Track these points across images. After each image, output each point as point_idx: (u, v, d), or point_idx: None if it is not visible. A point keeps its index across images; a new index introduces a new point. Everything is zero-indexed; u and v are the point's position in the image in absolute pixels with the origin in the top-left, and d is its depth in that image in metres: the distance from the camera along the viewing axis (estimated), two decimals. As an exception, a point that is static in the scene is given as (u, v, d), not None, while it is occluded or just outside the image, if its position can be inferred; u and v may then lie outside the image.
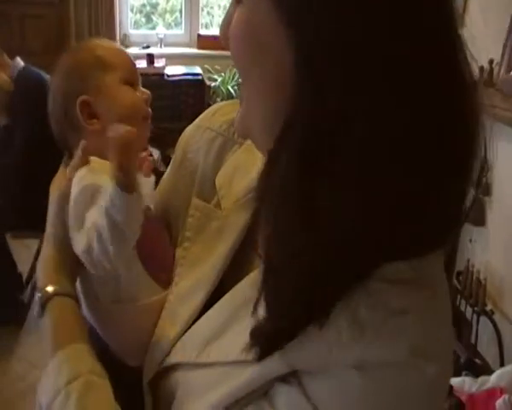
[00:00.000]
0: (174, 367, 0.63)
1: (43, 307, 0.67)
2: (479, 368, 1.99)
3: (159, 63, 3.91)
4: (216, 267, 0.65)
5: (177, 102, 3.83)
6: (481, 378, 1.79)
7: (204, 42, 4.21)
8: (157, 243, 0.73)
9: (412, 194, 0.46)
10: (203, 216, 0.70)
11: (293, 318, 0.48)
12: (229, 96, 3.94)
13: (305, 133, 0.46)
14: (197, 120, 0.77)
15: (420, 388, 0.47)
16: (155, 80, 3.76)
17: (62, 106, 0.78)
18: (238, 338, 0.53)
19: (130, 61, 0.82)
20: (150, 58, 3.86)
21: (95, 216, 0.65)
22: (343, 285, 0.47)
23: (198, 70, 3.99)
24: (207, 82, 3.99)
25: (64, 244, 0.70)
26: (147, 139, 0.80)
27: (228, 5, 0.55)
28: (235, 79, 4.00)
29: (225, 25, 0.53)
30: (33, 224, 2.60)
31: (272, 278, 0.49)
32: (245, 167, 0.68)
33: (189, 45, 4.30)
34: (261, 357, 0.51)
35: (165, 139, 3.67)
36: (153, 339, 0.67)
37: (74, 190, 0.69)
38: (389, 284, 0.48)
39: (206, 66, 4.08)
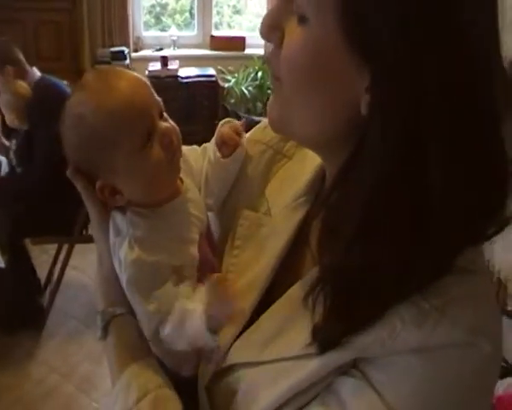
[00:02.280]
0: (232, 368, 0.64)
1: (105, 329, 0.68)
2: (501, 369, 1.96)
3: (172, 65, 3.92)
4: (269, 266, 0.66)
5: (191, 103, 3.84)
6: (507, 380, 1.76)
7: (217, 42, 4.21)
8: (205, 254, 0.73)
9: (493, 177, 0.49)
10: (252, 224, 0.71)
11: (357, 314, 0.52)
12: (243, 97, 3.93)
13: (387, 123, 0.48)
14: (249, 133, 0.80)
15: (477, 365, 0.50)
16: (169, 82, 3.78)
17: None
18: (299, 335, 0.56)
19: (144, 106, 0.67)
20: (164, 60, 3.87)
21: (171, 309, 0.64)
22: (422, 282, 0.50)
23: (211, 71, 3.99)
24: (221, 83, 3.98)
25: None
26: (179, 163, 0.72)
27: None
28: (249, 79, 3.99)
29: (273, 32, 0.55)
30: (52, 230, 2.65)
31: (337, 277, 0.52)
32: (293, 177, 0.71)
33: (201, 46, 4.30)
34: (323, 352, 0.53)
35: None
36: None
37: (126, 265, 0.67)
38: (452, 272, 0.50)
39: (219, 67, 4.08)
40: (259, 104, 3.96)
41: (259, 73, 3.99)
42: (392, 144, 0.47)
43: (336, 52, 0.49)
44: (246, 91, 3.95)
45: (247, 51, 4.21)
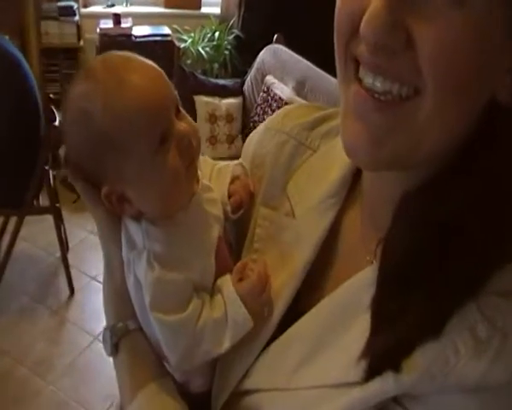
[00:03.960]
0: (252, 390, 0.57)
1: (116, 345, 0.63)
2: None
3: (125, 23, 3.72)
4: (295, 277, 0.59)
5: (145, 64, 3.66)
6: None
7: (171, 0, 4.02)
8: (223, 258, 0.66)
9: None
10: (273, 226, 0.64)
11: (404, 335, 0.46)
12: (200, 58, 3.79)
13: None
14: (265, 123, 0.71)
15: None
16: (122, 42, 3.58)
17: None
18: (335, 360, 0.50)
19: (160, 105, 0.58)
20: (116, 18, 3.66)
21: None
22: (460, 299, 0.45)
23: (166, 30, 3.82)
24: (176, 43, 3.82)
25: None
26: (197, 169, 0.65)
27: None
28: (206, 40, 3.84)
29: (394, 33, 0.41)
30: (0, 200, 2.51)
31: (390, 301, 0.47)
32: (319, 174, 0.63)
33: (155, 3, 4.10)
34: (369, 377, 0.47)
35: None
36: (223, 360, 0.61)
37: (147, 285, 0.60)
38: (501, 297, 0.45)
39: (174, 25, 3.90)
40: (216, 65, 3.83)
41: (216, 34, 3.85)
42: None
43: (492, 37, 0.41)
44: (203, 52, 3.80)
45: (204, 10, 4.04)
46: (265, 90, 2.99)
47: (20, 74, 2.29)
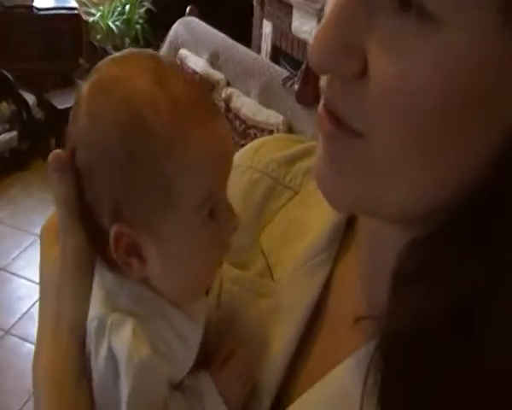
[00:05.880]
0: None
1: None
2: None
3: (26, -5, 3.48)
4: (278, 365, 0.45)
5: (50, 39, 3.44)
6: None
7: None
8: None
9: None
10: (245, 292, 0.50)
11: None
12: (110, 33, 3.63)
13: None
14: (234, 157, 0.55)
15: None
16: (22, 14, 3.34)
17: (91, 205, 0.45)
18: None
19: (224, 160, 0.46)
20: (16, -11, 3.42)
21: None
22: None
23: (72, 3, 3.61)
24: (84, 17, 3.63)
25: (79, 331, 0.43)
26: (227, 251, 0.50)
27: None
28: (116, 13, 3.68)
29: (348, 57, 0.32)
30: None
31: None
32: (302, 224, 0.50)
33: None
34: None
35: (39, 81, 3.34)
36: None
37: (131, 369, 0.42)
38: None
39: (81, -2, 3.71)
40: (127, 40, 3.69)
41: (127, 7, 3.70)
42: None
43: (488, 67, 0.29)
44: (113, 26, 3.64)
45: (112, -18, 3.87)
46: (179, 63, 2.90)
47: None
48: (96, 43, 3.63)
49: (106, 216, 0.44)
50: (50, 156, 0.44)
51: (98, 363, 0.43)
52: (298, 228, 0.50)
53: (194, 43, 2.90)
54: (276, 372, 0.45)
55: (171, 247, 0.45)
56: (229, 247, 0.48)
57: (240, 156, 0.56)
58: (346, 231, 0.48)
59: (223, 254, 0.49)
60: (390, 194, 0.35)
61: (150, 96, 0.42)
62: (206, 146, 0.43)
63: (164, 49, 3.13)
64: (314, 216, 0.49)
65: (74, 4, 3.58)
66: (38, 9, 3.43)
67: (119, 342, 0.42)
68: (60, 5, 3.54)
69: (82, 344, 0.43)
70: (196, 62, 2.78)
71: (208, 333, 0.49)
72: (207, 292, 0.51)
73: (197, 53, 2.85)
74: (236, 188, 0.52)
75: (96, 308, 0.43)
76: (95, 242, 0.45)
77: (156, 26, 3.54)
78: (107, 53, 3.15)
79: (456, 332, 0.34)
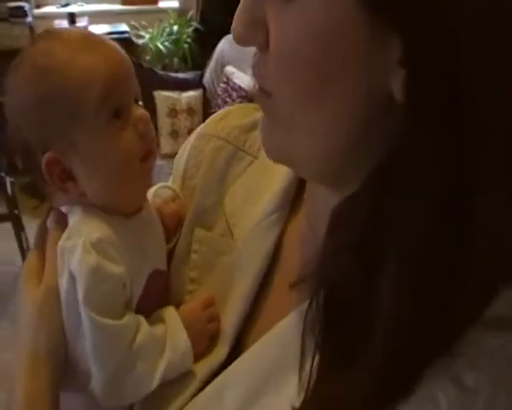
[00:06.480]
0: None
1: None
2: None
3: (81, 22, 3.63)
4: (236, 313, 0.50)
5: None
6: None
7: (128, -4, 3.95)
8: (157, 297, 0.58)
9: None
10: (210, 251, 0.55)
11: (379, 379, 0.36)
12: (159, 53, 3.72)
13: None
14: (199, 127, 0.63)
15: None
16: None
17: (23, 153, 0.57)
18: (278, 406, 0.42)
19: (127, 73, 0.56)
20: (71, 17, 3.58)
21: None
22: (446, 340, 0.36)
23: (124, 27, 3.75)
24: (135, 40, 3.76)
25: (55, 364, 0.51)
26: (151, 177, 0.58)
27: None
28: (164, 34, 3.78)
29: (253, 31, 0.38)
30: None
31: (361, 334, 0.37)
32: (259, 188, 0.54)
33: (112, 1, 4.02)
34: None
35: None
36: (151, 399, 0.53)
37: (83, 275, 0.51)
38: (486, 328, 0.36)
39: (132, 22, 3.83)
40: (176, 59, 3.77)
41: (175, 27, 3.79)
42: (443, 136, 0.33)
43: (348, 25, 0.34)
44: (162, 47, 3.74)
45: (161, 5, 3.99)
46: (225, 80, 2.95)
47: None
48: (144, 63, 3.75)
49: (39, 154, 0.53)
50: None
51: (63, 286, 0.52)
52: (256, 191, 0.55)
53: (239, 60, 2.95)
54: (234, 322, 0.50)
55: (89, 154, 0.53)
56: (150, 151, 0.55)
57: (206, 125, 0.63)
58: (298, 195, 0.53)
59: (145, 165, 0.55)
60: (302, 145, 0.40)
61: (49, 49, 0.54)
62: (95, 66, 0.53)
63: (211, 67, 3.20)
64: (269, 180, 0.54)
65: (126, 29, 3.72)
66: (92, 35, 3.59)
67: (72, 262, 0.51)
68: (112, 30, 3.69)
69: (56, 375, 0.51)
70: (242, 79, 2.83)
71: (182, 291, 0.56)
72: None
73: (242, 69, 2.89)
74: (203, 155, 0.59)
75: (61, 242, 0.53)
76: (42, 183, 0.54)
77: (203, 44, 3.61)
78: (154, 73, 3.24)
79: (365, 285, 0.37)
